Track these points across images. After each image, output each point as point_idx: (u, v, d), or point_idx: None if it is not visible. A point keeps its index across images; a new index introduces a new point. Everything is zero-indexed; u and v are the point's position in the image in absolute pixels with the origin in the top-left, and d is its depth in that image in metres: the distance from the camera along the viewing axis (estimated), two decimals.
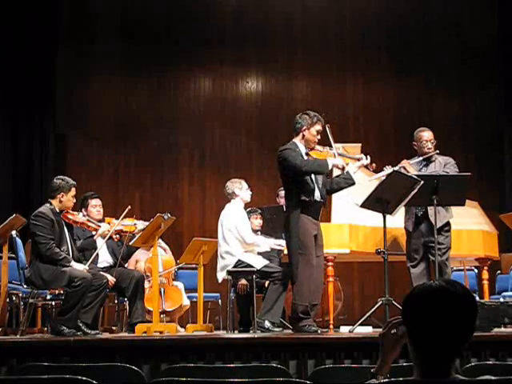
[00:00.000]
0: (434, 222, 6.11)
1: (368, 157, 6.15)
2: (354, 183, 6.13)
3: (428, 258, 6.32)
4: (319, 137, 6.10)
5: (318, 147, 6.11)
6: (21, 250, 6.78)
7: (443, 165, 6.45)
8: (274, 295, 6.41)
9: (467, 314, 2.10)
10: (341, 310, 7.73)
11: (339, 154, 6.08)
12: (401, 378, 2.21)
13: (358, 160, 6.16)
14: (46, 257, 5.88)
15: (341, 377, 3.36)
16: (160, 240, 7.76)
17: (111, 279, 6.32)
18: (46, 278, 5.88)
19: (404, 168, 6.29)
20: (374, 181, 6.49)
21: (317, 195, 5.99)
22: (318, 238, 6.04)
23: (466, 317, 2.09)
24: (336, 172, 6.36)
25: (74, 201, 6.21)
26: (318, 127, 6.04)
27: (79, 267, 5.97)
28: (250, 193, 6.97)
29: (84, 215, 6.49)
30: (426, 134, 6.49)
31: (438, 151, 6.48)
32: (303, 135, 6.04)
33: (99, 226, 6.40)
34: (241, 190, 6.86)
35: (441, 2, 10.85)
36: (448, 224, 6.38)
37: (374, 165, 6.16)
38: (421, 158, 6.45)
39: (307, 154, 6.07)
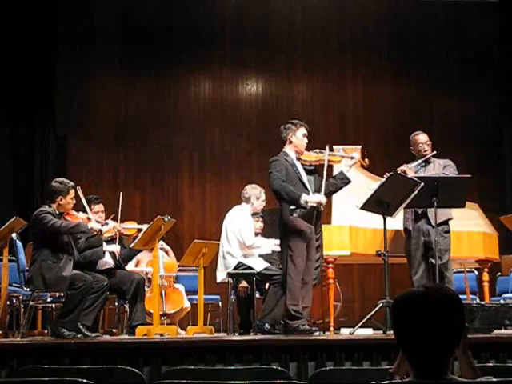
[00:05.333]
0: (432, 219, 6.13)
1: (357, 154, 6.23)
2: (349, 181, 6.19)
3: (427, 259, 6.32)
4: (306, 140, 6.23)
5: (309, 152, 6.18)
6: (21, 252, 6.78)
7: (442, 166, 6.46)
8: (274, 298, 6.43)
9: (451, 316, 2.11)
10: (340, 311, 7.72)
11: (330, 155, 6.12)
12: (399, 379, 2.22)
13: (351, 158, 6.20)
14: (61, 229, 5.85)
15: (341, 379, 3.36)
16: (162, 242, 7.77)
17: (117, 250, 6.52)
18: (47, 278, 5.86)
19: (404, 172, 6.30)
20: (374, 183, 6.50)
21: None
22: (311, 242, 6.05)
23: (451, 319, 2.11)
24: (335, 171, 6.40)
25: (74, 202, 6.19)
26: (303, 131, 6.23)
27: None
28: (264, 204, 7.05)
29: (83, 212, 6.47)
30: (422, 137, 6.54)
31: (435, 152, 6.50)
32: (291, 141, 6.21)
33: (101, 223, 6.38)
34: (258, 199, 6.99)
35: (441, 2, 10.86)
36: (447, 225, 6.38)
37: (366, 160, 6.26)
38: (419, 161, 6.47)
39: (298, 158, 6.16)
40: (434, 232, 6.09)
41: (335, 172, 6.44)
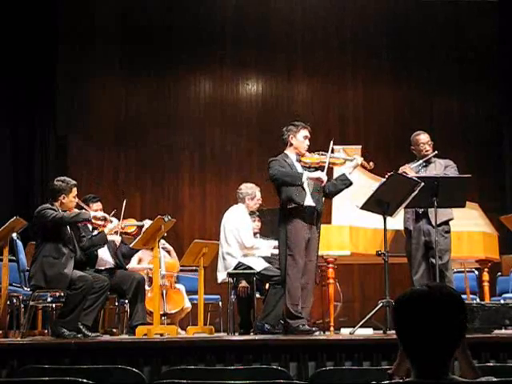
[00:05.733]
0: (433, 219, 6.13)
1: (359, 157, 6.20)
2: (351, 183, 6.15)
3: (428, 258, 6.32)
4: (307, 142, 6.20)
5: (311, 154, 6.17)
6: (21, 252, 6.79)
7: (443, 167, 6.45)
8: (273, 299, 6.43)
9: (453, 315, 2.11)
10: (340, 311, 7.73)
11: (332, 157, 6.10)
12: (400, 380, 2.22)
13: (352, 161, 6.19)
14: (64, 219, 5.87)
15: (341, 379, 3.36)
16: (164, 242, 7.77)
17: (117, 240, 6.58)
18: (48, 275, 5.85)
19: (405, 173, 6.28)
20: (375, 183, 6.49)
21: (308, 201, 6.02)
22: (311, 242, 6.04)
23: (453, 318, 2.10)
24: (335, 174, 6.40)
25: (76, 200, 6.20)
26: (304, 133, 6.19)
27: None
28: (260, 203, 7.05)
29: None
30: (423, 137, 6.52)
31: (436, 152, 6.49)
32: (291, 143, 6.18)
33: (105, 221, 6.38)
34: (252, 200, 6.99)
35: (441, 2, 10.86)
36: (448, 225, 6.38)
37: (371, 163, 6.19)
38: (421, 161, 6.47)
39: (299, 160, 6.14)
40: (435, 232, 6.09)
41: (335, 175, 6.44)
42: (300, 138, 6.17)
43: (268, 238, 7.19)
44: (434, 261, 6.13)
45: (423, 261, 6.35)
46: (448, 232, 6.38)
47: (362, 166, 6.24)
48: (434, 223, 6.11)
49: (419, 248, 6.34)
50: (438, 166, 6.46)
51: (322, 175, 5.98)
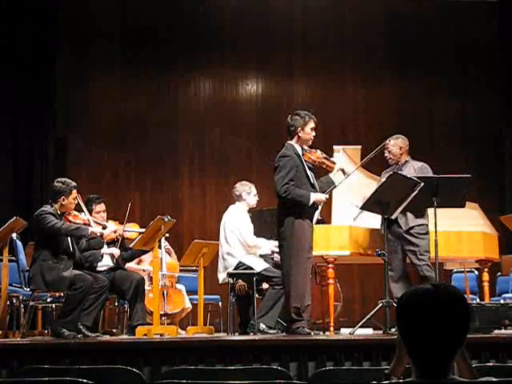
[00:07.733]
0: (403, 224, 6.28)
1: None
2: (335, 186, 6.15)
3: (405, 261, 6.38)
4: (314, 133, 6.12)
5: (317, 151, 6.12)
6: (21, 252, 6.79)
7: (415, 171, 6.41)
8: (271, 300, 6.41)
9: (458, 315, 2.10)
10: (340, 311, 7.72)
11: (325, 158, 6.08)
12: (401, 380, 2.22)
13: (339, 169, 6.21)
14: (61, 230, 5.88)
15: (341, 379, 3.36)
16: (166, 242, 7.75)
17: (116, 253, 6.53)
18: (47, 278, 5.88)
19: None
20: (374, 183, 6.49)
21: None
22: (311, 240, 6.01)
23: (457, 318, 2.10)
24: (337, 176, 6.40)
25: (76, 202, 6.21)
26: (312, 124, 6.09)
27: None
28: (257, 199, 7.01)
29: (85, 213, 6.46)
30: (398, 142, 6.52)
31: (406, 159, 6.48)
32: (299, 136, 6.06)
33: (102, 226, 6.37)
34: (249, 194, 6.94)
35: (441, 2, 10.87)
36: (423, 226, 6.36)
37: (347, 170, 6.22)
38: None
39: (303, 154, 6.08)
40: (406, 235, 6.26)
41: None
42: (308, 130, 6.05)
43: (269, 238, 7.17)
44: (410, 261, 6.29)
45: (399, 264, 6.39)
46: (424, 234, 6.36)
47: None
48: (404, 227, 6.28)
49: (394, 251, 6.35)
50: (411, 171, 6.42)
51: (323, 199, 6.00)
